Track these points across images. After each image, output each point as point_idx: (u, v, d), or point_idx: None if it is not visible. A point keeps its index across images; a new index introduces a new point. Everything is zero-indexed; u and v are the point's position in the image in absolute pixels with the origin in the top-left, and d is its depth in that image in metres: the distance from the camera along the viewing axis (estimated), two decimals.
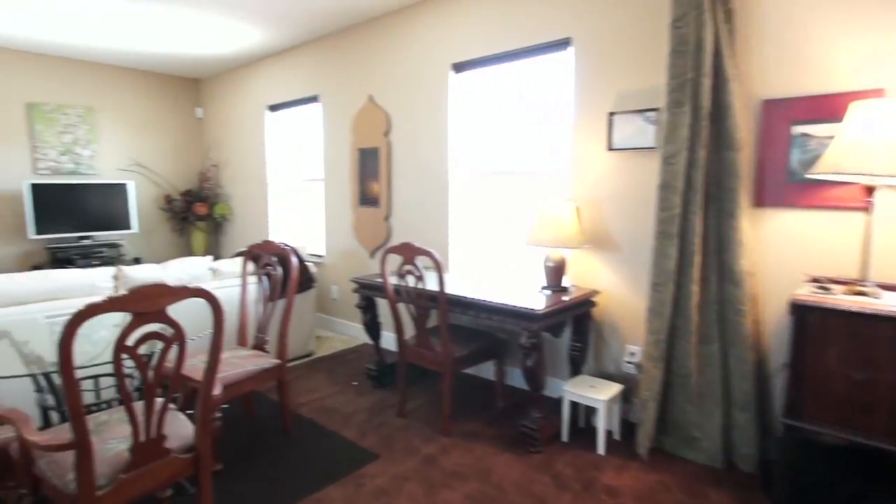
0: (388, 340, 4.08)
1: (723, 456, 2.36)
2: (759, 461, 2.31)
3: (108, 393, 2.64)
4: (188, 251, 6.17)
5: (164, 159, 5.96)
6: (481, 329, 3.13)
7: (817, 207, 2.23)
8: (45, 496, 1.70)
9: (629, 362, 2.81)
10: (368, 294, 3.27)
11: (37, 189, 4.75)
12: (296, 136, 5.03)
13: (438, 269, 2.53)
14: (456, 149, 3.63)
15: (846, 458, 2.04)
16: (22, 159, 4.97)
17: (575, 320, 2.82)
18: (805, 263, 2.28)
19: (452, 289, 2.84)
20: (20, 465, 1.70)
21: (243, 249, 3.37)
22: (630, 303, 2.82)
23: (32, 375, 2.07)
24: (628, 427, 2.75)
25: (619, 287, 2.86)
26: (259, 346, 2.76)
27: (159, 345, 1.66)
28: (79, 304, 2.74)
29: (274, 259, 2.77)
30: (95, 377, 2.55)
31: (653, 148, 2.63)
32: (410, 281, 2.72)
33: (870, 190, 1.95)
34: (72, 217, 4.98)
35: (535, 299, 2.58)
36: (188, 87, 6.10)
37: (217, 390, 1.89)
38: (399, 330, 2.87)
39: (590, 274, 2.96)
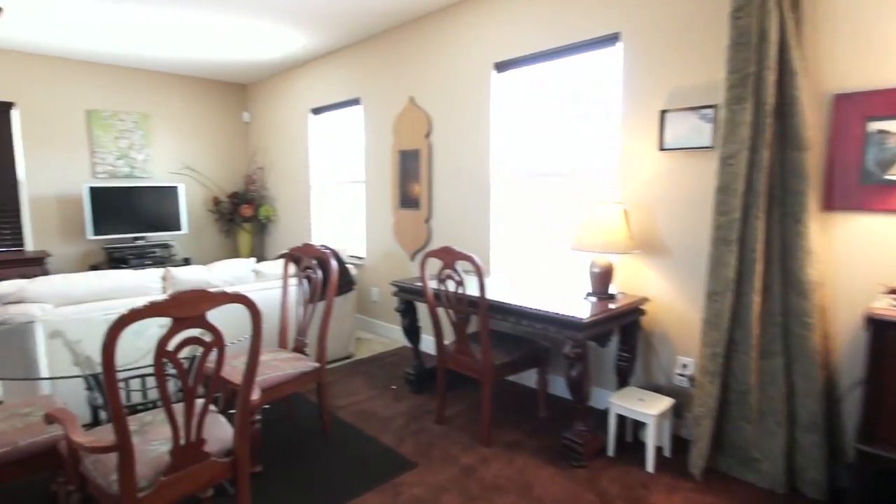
0: (428, 344, 4.03)
1: (786, 480, 2.18)
2: (827, 488, 2.12)
3: (156, 392, 2.70)
4: (234, 252, 6.33)
5: (213, 162, 6.14)
6: (523, 336, 3.04)
7: None
8: (90, 494, 1.73)
9: (681, 375, 2.66)
10: (408, 298, 3.23)
11: (95, 192, 4.98)
12: (338, 138, 5.07)
13: (479, 273, 2.46)
14: (498, 150, 3.55)
15: None
16: (82, 164, 5.22)
17: (622, 329, 2.69)
18: (881, 273, 2.08)
19: (493, 294, 2.76)
20: (68, 463, 1.74)
21: (285, 252, 3.39)
22: (682, 312, 2.66)
23: (84, 377, 2.13)
24: (680, 444, 2.59)
25: (670, 295, 2.70)
26: (299, 348, 2.76)
27: (201, 349, 1.66)
28: (129, 304, 2.83)
29: (314, 262, 2.77)
30: (143, 376, 2.61)
31: (709, 148, 2.47)
32: (450, 286, 2.65)
33: None
34: (126, 218, 5.19)
35: (580, 307, 2.47)
36: (236, 93, 6.26)
37: (255, 395, 1.88)
38: (438, 335, 2.81)
39: (638, 281, 2.81)
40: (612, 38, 2.86)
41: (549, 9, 3.11)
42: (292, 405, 3.04)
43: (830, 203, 2.17)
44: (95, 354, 2.34)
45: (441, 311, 3.54)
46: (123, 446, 1.50)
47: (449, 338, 2.92)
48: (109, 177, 5.37)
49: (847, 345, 2.17)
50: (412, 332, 3.32)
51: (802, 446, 2.16)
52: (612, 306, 2.50)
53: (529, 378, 3.41)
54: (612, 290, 2.69)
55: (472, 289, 2.78)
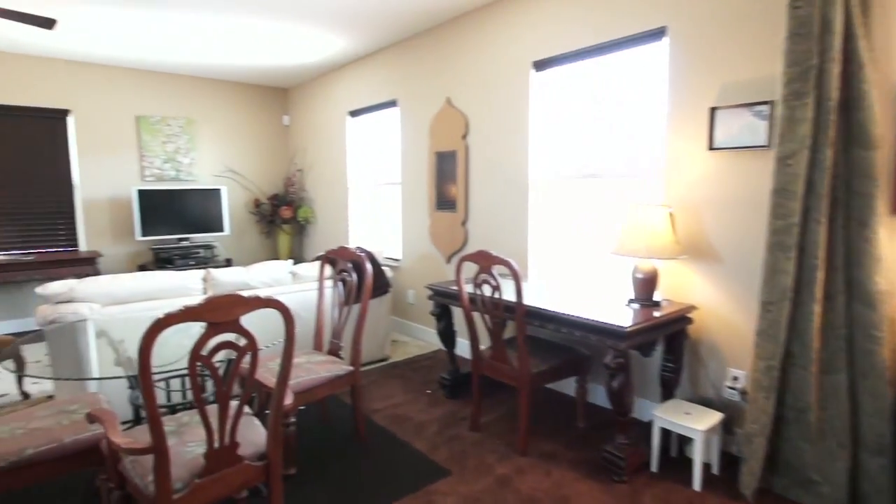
0: (464, 348, 3.98)
1: None
2: None
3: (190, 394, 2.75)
4: (274, 252, 6.45)
5: (254, 165, 6.28)
6: (562, 342, 2.94)
7: None
8: (129, 493, 1.76)
9: (731, 388, 2.50)
10: (443, 302, 3.19)
11: (143, 194, 5.16)
12: (375, 140, 5.08)
13: (516, 278, 2.38)
14: (536, 151, 3.46)
15: None
16: (132, 167, 5.43)
17: (668, 338, 2.56)
18: None
19: (531, 299, 2.68)
20: (109, 461, 1.77)
21: (321, 254, 3.41)
22: (733, 321, 2.51)
23: (128, 377, 2.18)
24: (730, 461, 2.44)
25: (719, 303, 2.55)
26: (334, 351, 2.76)
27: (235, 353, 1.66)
28: (171, 304, 2.89)
29: (349, 265, 2.76)
30: (182, 377, 2.66)
31: (765, 147, 2.31)
32: (486, 290, 2.59)
33: None
34: (172, 220, 5.36)
35: (622, 314, 2.36)
36: (277, 97, 6.38)
37: (288, 399, 1.87)
38: (474, 341, 2.75)
39: (685, 287, 2.67)
40: (657, 33, 2.73)
41: (590, 4, 3.00)
42: (328, 407, 3.04)
43: None
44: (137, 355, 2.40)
45: (477, 315, 3.48)
46: (159, 448, 1.51)
47: (485, 343, 2.86)
48: (157, 180, 5.56)
49: None
50: (447, 336, 3.27)
51: (868, 470, 1.99)
52: (656, 314, 2.37)
53: (568, 386, 3.30)
54: (656, 297, 2.56)
55: (508, 293, 2.71)
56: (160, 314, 1.40)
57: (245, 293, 3.18)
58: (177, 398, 2.64)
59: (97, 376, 2.51)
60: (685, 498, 2.19)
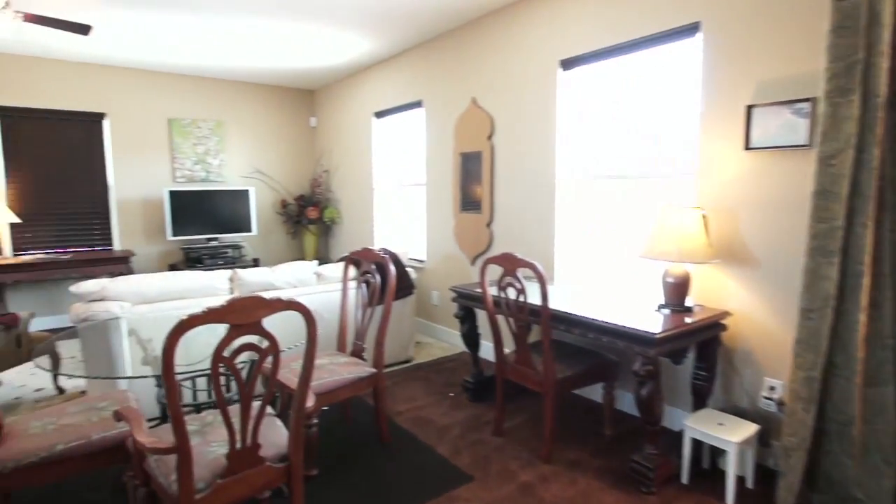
0: (488, 351, 3.93)
1: None
2: None
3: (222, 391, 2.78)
4: (300, 253, 6.52)
5: (281, 166, 6.36)
6: (588, 348, 2.87)
7: None
8: (154, 490, 1.77)
9: (768, 399, 2.39)
10: (467, 304, 3.15)
11: (174, 195, 5.28)
12: (400, 141, 5.08)
13: (541, 281, 2.33)
14: (563, 151, 3.39)
15: None
16: (164, 169, 5.56)
17: (700, 346, 2.46)
18: None
19: (557, 303, 2.62)
20: (134, 459, 1.80)
21: (345, 255, 3.42)
22: (770, 329, 2.40)
23: (155, 376, 2.21)
24: (765, 474, 2.34)
25: (755, 310, 2.45)
26: (357, 353, 2.75)
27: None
28: (199, 303, 2.93)
29: (373, 267, 2.75)
30: (208, 376, 2.69)
31: (805, 146, 2.21)
32: (511, 293, 2.54)
33: None
34: (202, 220, 5.47)
35: (652, 320, 2.28)
36: (304, 98, 6.45)
37: (310, 401, 1.87)
38: (498, 344, 2.70)
39: (719, 293, 2.57)
40: (690, 29, 2.64)
41: (620, 0, 2.92)
42: (351, 408, 3.04)
43: None
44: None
45: (501, 318, 3.43)
46: (182, 448, 1.52)
47: (509, 346, 2.81)
48: (187, 181, 5.69)
49: None
50: (471, 339, 3.23)
51: None
52: (688, 320, 2.29)
53: (595, 392, 3.22)
54: (688, 302, 2.47)
55: (534, 296, 2.65)
56: (185, 315, 1.41)
57: (270, 294, 3.22)
58: (203, 397, 2.67)
59: (126, 374, 2.56)
60: None
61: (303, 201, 6.20)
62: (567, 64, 3.29)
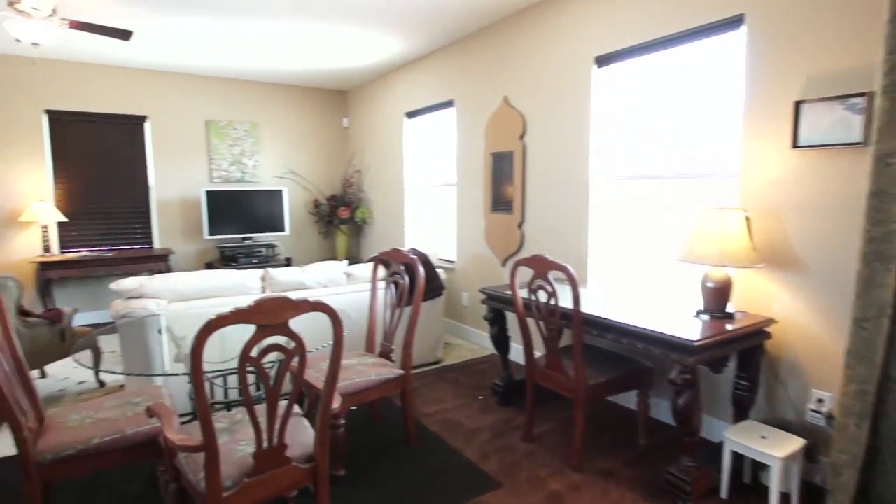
0: (518, 354, 3.88)
1: None
2: None
3: (252, 390, 2.81)
4: (332, 252, 6.59)
5: (314, 166, 6.44)
6: (622, 353, 2.78)
7: None
8: (184, 486, 1.80)
9: (816, 412, 2.26)
10: (497, 307, 3.10)
11: (210, 195, 5.41)
12: (431, 141, 5.07)
13: (573, 284, 2.26)
14: (598, 150, 3.30)
15: None
16: (201, 169, 5.71)
17: (742, 354, 2.35)
18: None
19: (589, 307, 2.54)
20: (166, 455, 1.82)
21: (374, 256, 3.42)
22: (819, 338, 2.27)
23: (188, 374, 2.24)
24: (812, 492, 2.21)
25: (803, 317, 2.31)
26: (385, 353, 2.74)
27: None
28: (232, 302, 2.98)
29: (401, 267, 2.73)
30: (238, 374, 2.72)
31: (859, 144, 2.07)
32: (542, 296, 2.48)
33: None
34: (237, 220, 5.59)
35: (690, 326, 2.18)
36: (337, 99, 6.52)
37: (336, 402, 1.86)
38: (528, 348, 2.65)
39: (763, 299, 2.44)
40: (734, 22, 2.52)
41: None
42: (379, 408, 3.03)
43: None
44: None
45: (531, 321, 3.37)
46: (209, 447, 1.53)
47: (540, 350, 2.75)
48: (224, 181, 5.82)
49: None
50: (501, 341, 3.18)
51: None
52: (729, 327, 2.18)
53: (629, 399, 3.12)
54: (729, 308, 2.35)
55: (565, 300, 2.58)
56: (213, 314, 1.42)
57: (300, 293, 3.24)
58: (234, 395, 2.71)
59: (162, 371, 2.62)
60: None
61: (335, 201, 6.26)
62: (602, 61, 3.20)
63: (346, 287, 3.43)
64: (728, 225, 2.26)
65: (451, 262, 4.74)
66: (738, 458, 2.27)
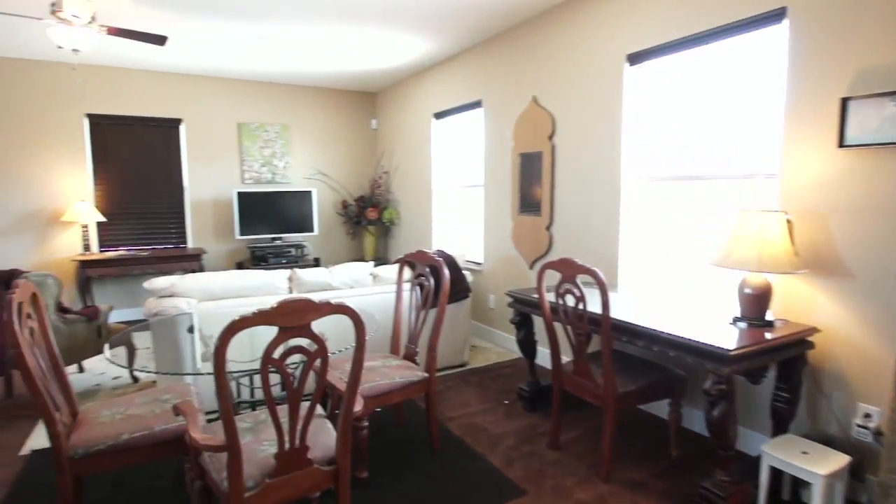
0: (545, 358, 3.80)
1: None
2: None
3: (278, 389, 2.84)
4: (360, 253, 6.63)
5: (342, 168, 6.49)
6: (653, 360, 2.68)
7: None
8: (208, 484, 1.81)
9: (862, 427, 2.13)
10: (524, 310, 3.04)
11: (242, 196, 5.51)
12: (458, 142, 5.04)
13: (602, 289, 2.20)
14: (630, 151, 3.21)
15: None
16: (233, 171, 5.83)
17: (782, 364, 2.23)
18: None
19: (619, 312, 2.46)
20: (191, 452, 1.84)
21: (400, 257, 3.41)
22: (866, 349, 2.14)
23: (213, 374, 2.27)
24: None
25: (849, 327, 2.18)
26: (409, 356, 2.72)
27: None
28: (259, 301, 3.01)
29: (427, 269, 2.71)
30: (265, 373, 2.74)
31: None
32: (569, 300, 2.42)
33: None
34: (267, 220, 5.68)
35: (726, 334, 2.09)
36: (365, 101, 6.56)
37: (358, 405, 1.84)
38: (555, 353, 2.58)
39: (805, 306, 2.32)
40: (775, 15, 2.41)
41: None
42: (403, 410, 3.02)
43: None
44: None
45: (559, 326, 3.30)
46: (232, 447, 1.53)
47: (568, 355, 2.68)
48: (255, 182, 5.93)
49: None
50: (528, 345, 3.12)
51: None
52: (768, 336, 2.07)
53: (661, 408, 3.02)
54: (768, 316, 2.24)
55: (594, 304, 2.51)
56: (238, 315, 1.42)
57: (326, 294, 3.26)
58: (260, 394, 2.73)
59: (191, 368, 2.66)
60: None
61: (363, 202, 6.29)
62: (634, 58, 3.11)
63: (372, 288, 3.43)
64: (768, 228, 2.15)
65: (479, 263, 4.69)
66: (776, 473, 2.16)
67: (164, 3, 3.46)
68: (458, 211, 5.14)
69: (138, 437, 1.93)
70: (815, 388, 2.31)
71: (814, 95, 2.25)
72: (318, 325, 1.54)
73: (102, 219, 5.11)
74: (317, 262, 5.85)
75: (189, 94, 5.54)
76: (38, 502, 2.22)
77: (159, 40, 3.39)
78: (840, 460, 1.98)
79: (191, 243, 5.68)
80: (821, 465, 1.94)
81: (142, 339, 4.02)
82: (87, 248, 5.10)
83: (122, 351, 3.44)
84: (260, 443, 1.80)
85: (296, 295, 3.16)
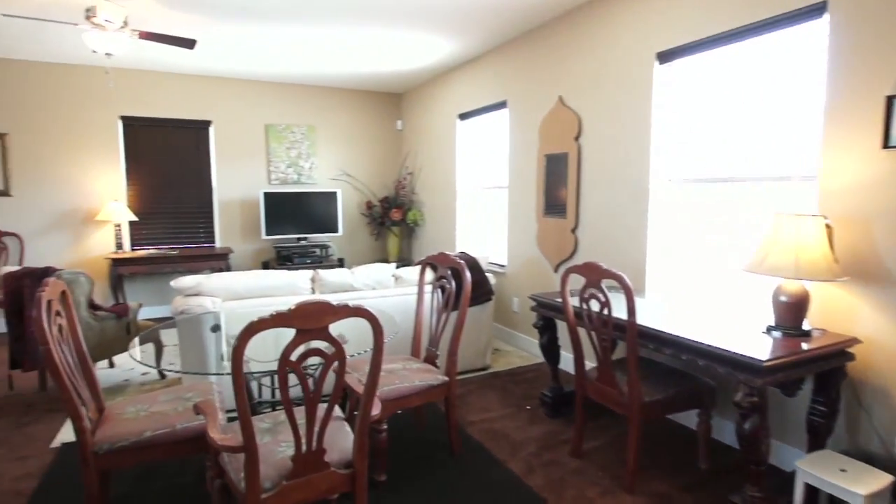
0: (569, 362, 3.73)
1: None
2: None
3: (297, 390, 2.84)
4: (384, 254, 6.64)
5: (367, 169, 6.52)
6: (681, 368, 2.59)
7: None
8: (227, 483, 1.82)
9: None
10: (547, 314, 2.99)
11: (268, 197, 5.58)
12: (483, 143, 5.00)
13: (628, 295, 2.13)
14: (659, 152, 3.12)
15: None
16: (260, 171, 5.91)
17: (819, 377, 2.13)
18: None
19: (646, 318, 2.39)
20: (211, 451, 1.86)
21: (422, 259, 3.39)
22: None
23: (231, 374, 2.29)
24: None
25: (893, 337, 2.06)
26: (430, 359, 2.69)
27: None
28: (283, 301, 3.03)
29: (448, 272, 2.68)
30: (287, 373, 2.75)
31: None
32: (594, 306, 2.35)
33: None
34: (293, 221, 5.74)
35: (759, 344, 2.00)
36: (391, 102, 6.57)
37: (376, 409, 1.82)
38: (579, 360, 2.52)
39: (845, 316, 2.20)
40: (814, 10, 2.30)
41: None
42: (424, 413, 2.99)
43: None
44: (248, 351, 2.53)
45: (583, 332, 3.23)
46: (249, 449, 1.53)
47: (592, 361, 2.61)
48: (281, 183, 6.00)
49: None
50: (551, 350, 3.07)
51: None
52: (804, 346, 1.98)
53: (689, 417, 2.92)
54: (805, 325, 2.14)
55: (620, 310, 2.44)
56: (260, 315, 1.42)
57: (348, 295, 3.26)
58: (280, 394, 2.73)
59: (215, 366, 2.69)
60: None
61: (387, 203, 6.31)
62: (664, 57, 3.02)
63: (393, 290, 3.42)
64: (805, 233, 2.05)
65: (502, 266, 4.64)
66: (811, 490, 2.06)
67: (192, 6, 3.52)
68: (483, 212, 5.09)
69: (160, 435, 1.95)
70: (855, 401, 2.19)
71: (856, 93, 2.14)
72: (338, 327, 1.53)
73: (134, 218, 5.25)
74: (341, 263, 5.88)
75: (218, 97, 5.64)
76: (66, 494, 2.28)
77: (189, 44, 3.45)
78: (882, 480, 1.87)
79: (218, 242, 5.79)
80: (861, 485, 1.84)
81: (170, 337, 4.11)
82: (119, 246, 5.24)
83: (150, 347, 3.51)
84: (278, 444, 1.80)
85: (314, 297, 3.17)
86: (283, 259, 5.61)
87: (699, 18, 2.77)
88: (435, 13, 3.71)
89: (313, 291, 3.22)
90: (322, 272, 3.25)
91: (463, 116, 5.20)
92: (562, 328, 3.43)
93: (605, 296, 2.25)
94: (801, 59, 2.39)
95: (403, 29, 4.07)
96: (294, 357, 1.51)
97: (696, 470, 2.46)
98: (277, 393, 2.86)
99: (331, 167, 6.29)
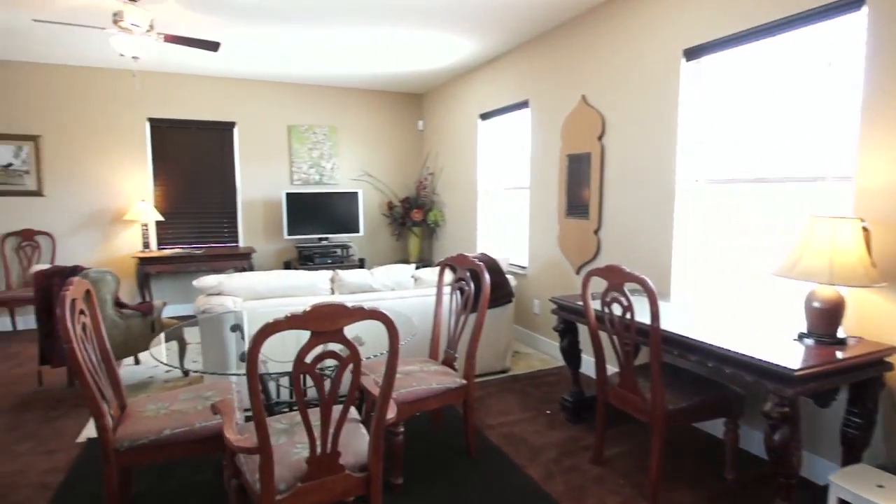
0: (590, 366, 3.66)
1: None
2: None
3: (313, 391, 2.85)
4: (405, 254, 6.64)
5: (388, 169, 6.53)
6: (707, 375, 2.51)
7: None
8: (243, 483, 1.82)
9: None
10: (568, 318, 2.93)
11: (290, 197, 5.64)
12: (504, 143, 4.95)
13: (651, 299, 2.06)
14: (685, 152, 3.03)
15: None
16: (283, 172, 5.98)
17: (854, 387, 2.03)
18: None
19: (671, 323, 2.32)
20: (228, 451, 1.86)
21: (441, 260, 3.36)
22: None
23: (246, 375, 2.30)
24: None
25: None
26: (448, 361, 2.66)
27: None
28: (303, 301, 3.04)
29: (467, 274, 2.65)
30: (304, 374, 2.76)
31: None
32: (616, 310, 2.29)
33: None
34: (314, 221, 5.78)
35: (790, 351, 1.91)
36: (412, 102, 6.57)
37: (392, 412, 1.80)
38: (600, 364, 2.46)
39: (883, 324, 2.10)
40: (852, 4, 2.19)
41: None
42: (442, 416, 2.97)
43: None
44: (265, 351, 2.54)
45: (605, 336, 3.16)
46: (263, 450, 1.53)
47: (614, 366, 2.55)
48: (303, 183, 6.05)
49: None
50: (571, 355, 3.01)
51: None
52: (839, 355, 1.88)
53: (716, 426, 2.83)
54: (839, 333, 2.04)
55: (643, 314, 2.37)
56: (277, 315, 1.41)
57: (367, 295, 3.25)
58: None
59: (235, 365, 2.71)
60: None
61: (408, 203, 6.30)
62: (691, 54, 2.94)
63: (413, 291, 3.40)
64: (841, 236, 1.96)
65: (523, 267, 4.59)
66: None
67: (216, 9, 3.56)
68: (504, 213, 5.05)
69: (179, 433, 1.97)
70: (894, 413, 2.08)
71: (895, 91, 2.03)
72: (355, 328, 1.52)
73: (161, 218, 5.35)
74: (361, 263, 5.90)
75: (242, 98, 5.72)
76: (90, 488, 2.32)
77: (213, 46, 3.49)
78: None
79: (242, 242, 5.87)
80: None
81: (193, 335, 4.17)
82: (146, 245, 5.36)
83: (174, 345, 3.57)
84: (294, 445, 1.79)
85: (331, 298, 3.17)
86: (305, 259, 5.65)
87: (728, 14, 2.68)
88: (455, 13, 3.69)
89: (332, 292, 3.22)
90: (341, 272, 3.25)
91: (484, 116, 5.16)
92: (583, 332, 3.36)
93: (628, 300, 2.18)
94: (836, 54, 2.29)
95: (424, 29, 4.05)
96: (309, 359, 1.50)
97: (721, 480, 2.38)
98: (293, 393, 2.87)
99: (352, 168, 6.32)
